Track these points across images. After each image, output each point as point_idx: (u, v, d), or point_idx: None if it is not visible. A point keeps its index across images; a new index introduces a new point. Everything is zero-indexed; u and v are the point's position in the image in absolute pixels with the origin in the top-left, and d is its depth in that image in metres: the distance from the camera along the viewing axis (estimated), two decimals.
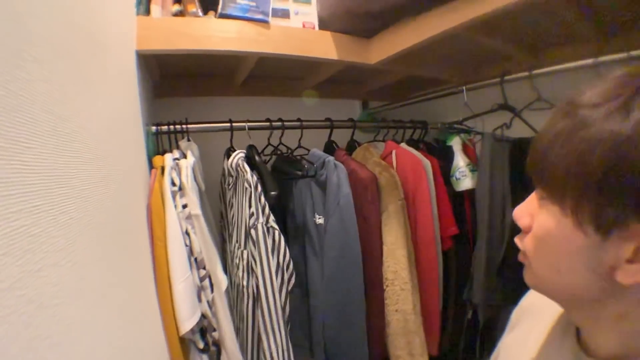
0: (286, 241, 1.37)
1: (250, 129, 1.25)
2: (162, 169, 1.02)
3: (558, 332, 0.53)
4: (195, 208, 0.98)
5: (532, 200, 0.48)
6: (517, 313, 0.69)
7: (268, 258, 1.05)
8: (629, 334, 0.42)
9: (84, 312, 0.45)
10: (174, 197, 0.95)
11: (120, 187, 0.73)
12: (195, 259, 0.96)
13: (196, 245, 0.97)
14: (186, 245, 0.94)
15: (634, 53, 1.01)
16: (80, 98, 0.54)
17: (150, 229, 0.93)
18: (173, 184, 0.97)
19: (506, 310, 1.52)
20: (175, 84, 1.51)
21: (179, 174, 1.00)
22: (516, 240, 0.50)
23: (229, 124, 1.23)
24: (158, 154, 1.10)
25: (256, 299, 1.07)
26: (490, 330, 1.51)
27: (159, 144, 1.20)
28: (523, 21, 1.13)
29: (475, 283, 1.37)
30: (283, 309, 1.09)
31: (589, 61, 1.10)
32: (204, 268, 0.98)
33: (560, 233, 0.41)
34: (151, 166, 1.06)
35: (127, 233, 0.75)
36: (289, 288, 1.12)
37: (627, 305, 0.40)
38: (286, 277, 1.10)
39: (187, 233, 0.95)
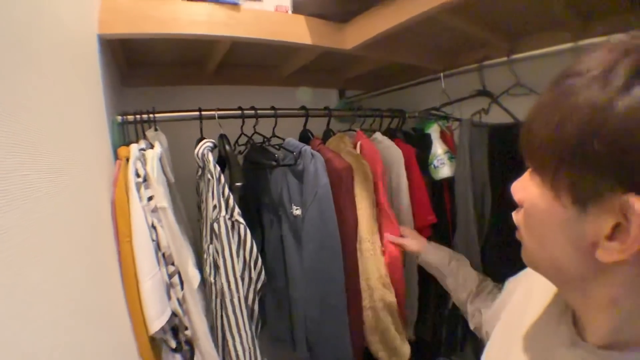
0: (262, 234, 1.33)
1: (221, 117, 1.19)
2: (128, 159, 0.95)
3: (554, 314, 0.53)
4: (161, 200, 0.92)
5: (526, 174, 0.47)
6: (512, 283, 0.70)
7: (232, 255, 0.99)
8: (618, 320, 0.41)
9: (17, 311, 0.40)
10: (138, 189, 0.89)
11: (77, 180, 0.67)
12: (163, 255, 0.90)
13: (163, 240, 0.91)
14: (153, 240, 0.88)
15: (614, 36, 0.99)
16: (25, 83, 0.48)
17: (115, 224, 0.87)
18: (137, 175, 0.91)
19: None
20: (144, 72, 1.43)
21: (144, 165, 0.94)
22: (513, 215, 0.50)
23: (198, 113, 1.17)
24: (124, 145, 1.03)
25: (222, 298, 1.02)
26: None
27: (126, 134, 1.13)
28: (501, 6, 1.10)
29: None
30: (250, 309, 1.04)
31: (568, 45, 1.08)
32: (173, 264, 0.92)
33: (543, 205, 0.42)
34: (116, 157, 0.99)
35: (85, 228, 0.69)
36: (258, 286, 1.07)
37: (616, 288, 0.39)
38: (254, 275, 1.05)
39: (153, 227, 0.89)
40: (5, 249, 0.38)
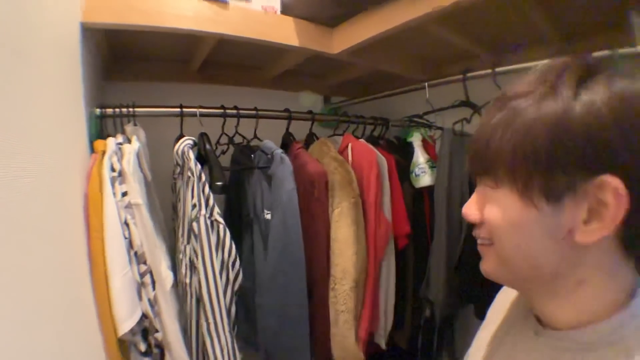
0: (240, 235, 1.30)
1: (202, 115, 1.16)
2: (104, 153, 0.92)
3: (520, 316, 0.57)
4: (136, 196, 0.88)
5: (477, 195, 0.50)
6: (491, 310, 0.70)
7: (211, 254, 0.97)
8: (584, 300, 0.44)
9: None
10: (112, 184, 0.85)
11: (48, 173, 0.64)
12: (135, 253, 0.87)
13: (136, 238, 0.87)
14: (125, 238, 0.85)
15: (594, 55, 1.01)
16: None
17: (86, 219, 0.83)
18: (113, 169, 0.88)
19: (463, 308, 1.52)
20: (128, 67, 1.40)
21: (120, 159, 0.91)
22: (474, 234, 0.51)
23: (179, 110, 1.14)
24: (102, 138, 0.99)
25: (199, 300, 0.98)
26: (448, 328, 1.49)
27: (104, 128, 1.09)
28: (487, 20, 1.11)
29: (432, 281, 1.35)
30: (228, 310, 1.01)
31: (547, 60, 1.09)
32: (145, 263, 0.89)
33: (515, 214, 0.44)
34: (92, 151, 0.96)
35: (53, 221, 0.66)
36: (235, 287, 1.04)
37: (586, 270, 0.43)
38: (232, 275, 1.03)
39: (126, 223, 0.86)
40: None
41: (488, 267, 0.51)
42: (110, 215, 0.83)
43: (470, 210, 0.50)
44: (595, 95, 0.38)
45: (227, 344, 0.98)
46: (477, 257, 0.52)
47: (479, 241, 0.51)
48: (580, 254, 0.42)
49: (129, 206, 0.87)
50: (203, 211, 0.97)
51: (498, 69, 1.19)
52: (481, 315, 0.71)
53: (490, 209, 0.47)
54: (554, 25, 1.12)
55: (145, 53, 1.38)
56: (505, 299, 0.65)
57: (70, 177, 0.79)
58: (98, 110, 1.06)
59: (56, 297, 0.63)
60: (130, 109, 1.09)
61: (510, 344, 0.56)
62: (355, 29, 1.14)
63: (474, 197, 0.51)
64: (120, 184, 0.88)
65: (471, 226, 0.51)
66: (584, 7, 1.02)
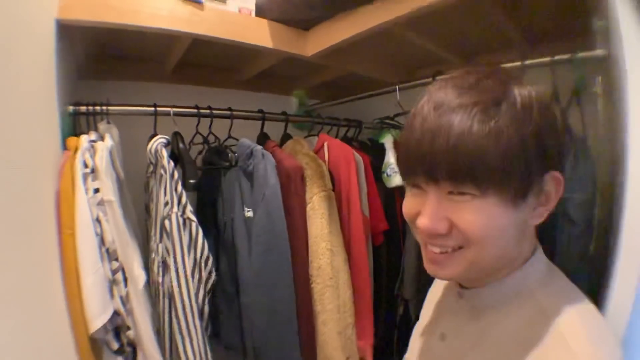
0: (218, 238, 1.31)
1: (176, 114, 1.17)
2: (76, 151, 0.92)
3: (449, 291, 0.66)
4: (108, 194, 0.89)
5: (437, 205, 0.49)
6: (424, 305, 0.77)
7: (183, 253, 0.97)
8: (497, 263, 0.52)
9: None
10: (85, 180, 0.86)
11: (16, 169, 0.65)
12: (107, 250, 0.88)
13: (108, 235, 0.88)
14: (97, 234, 0.86)
15: (557, 57, 1.07)
16: None
17: (58, 216, 0.84)
18: (85, 165, 0.88)
19: None
20: (102, 66, 1.38)
21: (93, 156, 0.91)
22: (432, 246, 0.52)
23: (152, 109, 1.15)
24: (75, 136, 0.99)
25: (171, 299, 0.99)
26: None
27: (77, 126, 1.09)
28: (455, 24, 1.16)
29: (406, 278, 1.38)
30: (200, 310, 1.02)
31: (517, 64, 1.14)
32: (117, 260, 0.90)
33: (502, 219, 0.47)
34: (65, 148, 0.96)
35: (22, 218, 0.66)
36: (208, 287, 1.05)
37: (526, 243, 0.54)
38: (204, 274, 1.03)
39: (98, 220, 0.87)
40: None
41: (453, 271, 0.52)
42: (81, 211, 0.84)
43: (436, 222, 0.49)
44: (526, 103, 0.47)
45: (198, 344, 0.99)
46: None
47: (437, 249, 0.51)
48: (526, 233, 0.52)
49: (101, 203, 0.88)
50: (175, 209, 0.98)
51: None
52: None
53: (470, 217, 0.47)
54: (521, 30, 1.18)
55: (121, 52, 1.38)
56: (434, 290, 0.73)
57: (41, 173, 0.80)
58: (71, 108, 1.06)
59: (23, 294, 0.63)
60: (104, 107, 1.09)
61: (440, 313, 0.66)
62: (328, 32, 1.17)
63: (431, 206, 0.49)
64: (93, 180, 0.89)
65: None
66: (550, 13, 1.08)
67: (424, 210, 0.50)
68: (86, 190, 0.86)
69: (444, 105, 0.47)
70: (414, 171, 0.50)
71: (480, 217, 0.47)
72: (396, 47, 1.34)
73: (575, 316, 0.47)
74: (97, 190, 0.88)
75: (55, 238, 0.82)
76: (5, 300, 0.55)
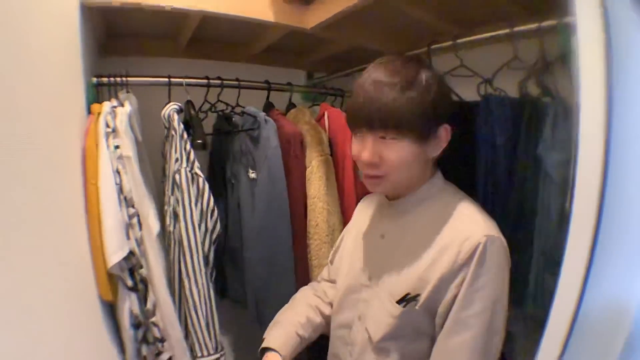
0: (225, 197, 1.46)
1: (188, 85, 1.32)
2: (99, 115, 1.08)
3: (378, 202, 1.02)
4: (127, 150, 1.05)
5: (373, 144, 0.80)
6: (355, 214, 1.13)
7: (191, 204, 1.13)
8: (411, 182, 0.87)
9: None
10: (107, 138, 1.02)
11: (51, 131, 0.79)
12: (125, 198, 1.04)
13: (126, 185, 1.04)
14: (117, 184, 1.02)
15: (544, 24, 1.13)
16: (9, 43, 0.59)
17: (84, 169, 1.00)
18: (107, 125, 1.05)
19: None
20: (121, 43, 1.55)
21: (114, 118, 1.07)
22: (369, 171, 0.84)
23: (167, 79, 1.30)
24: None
25: (180, 246, 1.15)
26: None
27: (100, 96, 1.25)
28: None
29: None
30: (206, 256, 1.18)
31: (505, 31, 1.22)
32: (133, 207, 1.06)
33: (407, 152, 0.79)
34: (89, 113, 1.12)
35: (54, 170, 0.81)
36: (214, 236, 1.20)
37: (416, 171, 0.85)
38: (210, 224, 1.19)
39: (117, 172, 1.03)
40: None
41: (383, 188, 0.86)
42: (104, 164, 1.00)
43: (373, 155, 0.80)
44: (431, 76, 0.80)
45: (203, 286, 1.15)
46: None
47: (372, 173, 0.83)
48: (428, 164, 0.87)
49: (120, 157, 1.04)
50: (184, 164, 1.13)
51: (459, 40, 1.32)
52: None
53: (392, 153, 0.79)
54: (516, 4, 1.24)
55: (137, 30, 1.53)
56: (362, 207, 1.09)
57: (69, 134, 0.95)
58: (94, 79, 1.22)
59: (56, 232, 0.78)
60: (124, 78, 1.25)
61: (378, 220, 0.98)
62: (326, 5, 1.28)
63: (370, 145, 0.80)
64: (114, 138, 1.05)
65: None
66: None
67: (365, 149, 0.80)
68: (108, 146, 1.02)
69: (378, 82, 0.77)
70: (359, 124, 0.81)
71: (399, 152, 0.78)
72: (395, 19, 1.43)
73: (466, 202, 0.85)
74: (117, 147, 1.04)
75: (80, 187, 0.98)
76: (42, 235, 0.69)
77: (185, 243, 1.12)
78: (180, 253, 1.14)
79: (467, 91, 1.36)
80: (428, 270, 0.77)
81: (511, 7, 1.28)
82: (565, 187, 1.11)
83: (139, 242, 1.06)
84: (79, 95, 1.10)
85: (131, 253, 1.04)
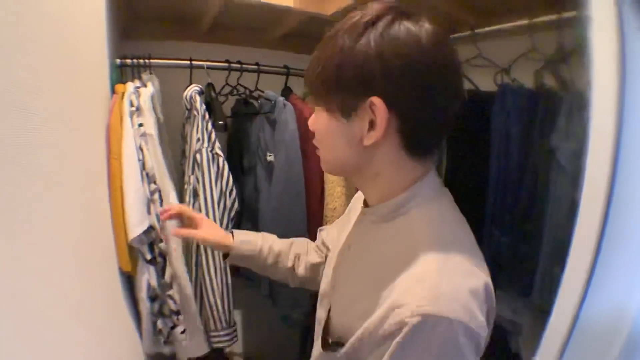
0: (243, 179, 1.52)
1: (209, 68, 1.36)
2: (123, 94, 1.14)
3: (358, 205, 0.80)
4: (149, 128, 1.11)
5: (314, 114, 0.68)
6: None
7: (211, 182, 1.19)
8: (382, 185, 0.65)
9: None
10: (131, 116, 1.08)
11: (78, 108, 0.85)
12: (147, 174, 1.10)
13: (148, 161, 1.10)
14: (139, 160, 1.08)
15: (563, 16, 1.14)
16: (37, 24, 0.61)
17: (107, 145, 1.05)
18: (132, 104, 1.11)
19: None
20: (144, 27, 1.60)
21: (138, 98, 1.12)
22: (314, 142, 0.71)
23: (189, 62, 1.35)
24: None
25: None
26: None
27: (123, 77, 1.31)
28: None
29: None
30: None
31: (525, 22, 1.23)
32: (155, 183, 1.12)
33: (326, 124, 0.63)
34: (113, 93, 1.17)
35: (78, 145, 0.85)
36: (232, 214, 1.25)
37: (379, 166, 0.63)
38: (229, 203, 1.24)
39: (140, 149, 1.09)
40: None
41: (324, 168, 0.73)
42: (128, 140, 1.06)
43: (310, 121, 0.69)
44: (371, 35, 0.54)
45: (220, 261, 1.21)
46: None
47: (316, 144, 0.70)
48: (371, 154, 0.61)
49: (143, 135, 1.11)
50: (205, 144, 1.18)
51: (478, 30, 1.34)
52: None
53: (315, 121, 0.66)
54: None
55: (160, 14, 1.58)
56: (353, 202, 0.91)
57: (94, 111, 1.01)
58: (118, 61, 1.28)
59: (83, 203, 0.83)
60: (147, 60, 1.30)
61: (351, 224, 0.79)
62: None
63: (312, 114, 0.69)
64: (138, 116, 1.11)
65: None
66: None
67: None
68: (132, 124, 1.08)
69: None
70: None
71: (318, 121, 0.65)
72: (414, 8, 1.44)
73: (442, 244, 0.56)
74: (141, 125, 1.10)
75: (104, 162, 1.04)
76: (71, 200, 0.74)
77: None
78: None
79: (484, 81, 1.38)
80: (362, 316, 0.58)
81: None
82: (577, 178, 1.13)
83: (159, 217, 1.12)
84: (103, 75, 1.15)
85: (151, 227, 1.10)
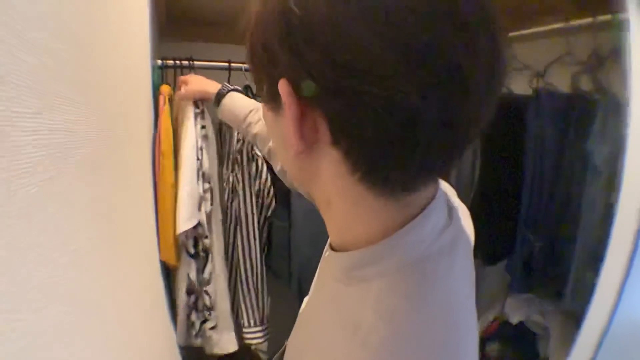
0: (276, 179, 1.57)
1: (247, 70, 1.41)
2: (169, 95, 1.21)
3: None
4: (210, 131, 1.21)
5: None
6: None
7: (250, 182, 1.25)
8: (337, 221, 0.44)
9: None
10: (195, 118, 1.17)
11: (128, 108, 0.88)
12: (203, 173, 1.18)
13: (205, 162, 1.18)
14: (198, 159, 1.16)
15: (598, 19, 1.16)
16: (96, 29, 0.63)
17: (158, 144, 1.12)
18: (197, 107, 1.20)
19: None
20: (180, 28, 1.66)
21: (202, 102, 1.22)
22: None
23: (227, 64, 1.40)
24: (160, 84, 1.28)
25: (237, 221, 1.26)
26: None
27: (163, 77, 1.37)
28: None
29: None
30: (260, 232, 1.29)
31: (560, 25, 1.25)
32: (209, 182, 1.20)
33: (265, 116, 0.45)
34: (157, 93, 1.23)
35: (135, 145, 0.92)
36: (269, 213, 1.31)
37: (326, 191, 0.41)
38: (266, 201, 1.30)
39: (201, 149, 1.17)
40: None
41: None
42: (190, 140, 1.14)
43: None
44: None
45: (256, 259, 1.28)
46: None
47: None
48: (314, 170, 0.40)
49: (205, 136, 1.19)
50: (245, 145, 1.24)
51: (512, 34, 1.37)
52: None
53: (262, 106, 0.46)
54: None
55: (196, 15, 1.64)
56: None
57: (141, 111, 1.06)
58: (159, 62, 1.33)
59: (128, 204, 0.86)
60: (190, 62, 1.36)
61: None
62: None
63: None
64: (201, 119, 1.19)
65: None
66: None
67: None
68: (195, 125, 1.16)
69: None
70: None
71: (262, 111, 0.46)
72: None
73: (385, 332, 0.35)
74: (203, 127, 1.19)
75: (148, 157, 1.07)
76: (127, 200, 0.78)
77: (243, 218, 1.24)
78: (237, 227, 1.25)
79: (519, 85, 1.40)
80: None
81: (563, 2, 1.30)
82: (613, 182, 1.15)
83: (208, 215, 1.19)
84: (146, 75, 1.21)
85: (199, 224, 1.17)
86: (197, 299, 1.26)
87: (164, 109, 1.15)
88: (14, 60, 0.28)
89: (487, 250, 1.43)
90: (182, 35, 1.69)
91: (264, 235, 1.31)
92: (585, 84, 1.27)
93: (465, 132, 0.33)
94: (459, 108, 0.31)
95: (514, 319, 1.44)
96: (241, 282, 1.28)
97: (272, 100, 0.38)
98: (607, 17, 1.15)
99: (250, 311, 1.31)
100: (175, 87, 1.26)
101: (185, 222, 1.09)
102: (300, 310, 0.56)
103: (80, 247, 0.46)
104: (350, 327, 0.37)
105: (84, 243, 0.48)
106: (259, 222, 1.27)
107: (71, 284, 0.42)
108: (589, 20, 1.20)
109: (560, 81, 1.32)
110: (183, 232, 1.10)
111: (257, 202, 1.26)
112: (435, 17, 0.28)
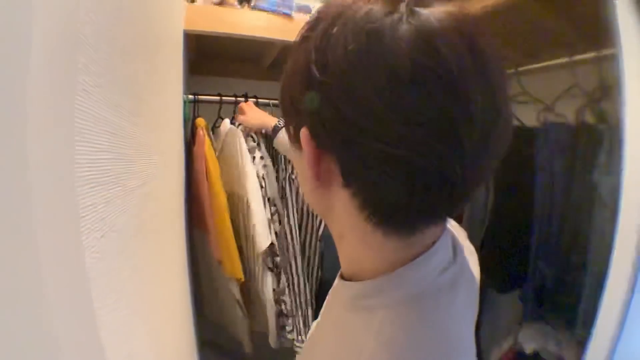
0: None
1: (274, 106, 1.53)
2: (205, 128, 1.34)
3: None
4: (267, 161, 1.36)
5: None
6: None
7: (294, 206, 1.41)
8: (348, 253, 0.49)
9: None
10: (252, 151, 1.33)
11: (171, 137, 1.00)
12: (268, 199, 1.33)
13: (268, 188, 1.33)
14: (261, 187, 1.31)
15: (602, 53, 1.21)
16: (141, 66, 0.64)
17: (206, 172, 1.27)
18: (253, 140, 1.35)
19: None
20: (209, 63, 1.77)
21: (257, 134, 1.37)
22: None
23: (255, 100, 1.51)
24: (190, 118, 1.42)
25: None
26: None
27: (193, 111, 1.48)
28: (514, 26, 1.34)
29: None
30: (302, 248, 1.45)
31: (564, 60, 1.31)
32: (274, 205, 1.35)
33: (292, 152, 0.48)
34: (193, 126, 1.36)
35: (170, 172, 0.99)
36: (318, 236, 1.47)
37: (339, 225, 0.46)
38: (316, 223, 1.45)
39: (263, 178, 1.32)
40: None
41: None
42: (251, 171, 1.29)
43: None
44: (312, 39, 0.39)
45: (302, 275, 1.42)
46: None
47: None
48: (330, 205, 0.44)
49: (265, 166, 1.34)
50: (288, 172, 1.41)
51: (521, 68, 1.44)
52: None
53: None
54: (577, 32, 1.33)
55: (224, 52, 1.73)
56: None
57: (175, 143, 1.16)
58: (191, 97, 1.43)
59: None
60: (219, 97, 1.47)
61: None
62: None
63: None
64: (258, 150, 1.34)
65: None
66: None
67: None
68: (253, 158, 1.32)
69: None
70: None
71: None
72: None
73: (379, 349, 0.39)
74: (262, 157, 1.34)
75: (181, 183, 1.17)
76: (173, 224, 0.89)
77: (284, 242, 1.39)
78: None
79: (528, 117, 1.46)
80: None
81: (571, 36, 1.36)
82: (616, 211, 1.17)
83: (278, 235, 1.36)
84: (179, 111, 1.33)
85: (272, 244, 1.33)
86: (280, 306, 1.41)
87: (206, 140, 1.28)
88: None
89: (501, 278, 1.46)
90: (211, 70, 1.82)
91: (306, 252, 1.46)
92: (591, 116, 1.31)
93: (463, 184, 0.36)
94: (455, 165, 0.34)
95: (528, 349, 1.45)
96: (299, 294, 1.42)
97: (296, 141, 0.42)
98: (610, 50, 1.20)
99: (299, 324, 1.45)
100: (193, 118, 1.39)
101: (262, 243, 1.27)
102: (309, 333, 0.61)
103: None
104: (354, 352, 0.40)
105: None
106: (303, 246, 1.43)
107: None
108: (592, 54, 1.24)
109: (568, 113, 1.37)
110: (262, 251, 1.29)
111: (300, 223, 1.41)
112: (434, 88, 0.32)
